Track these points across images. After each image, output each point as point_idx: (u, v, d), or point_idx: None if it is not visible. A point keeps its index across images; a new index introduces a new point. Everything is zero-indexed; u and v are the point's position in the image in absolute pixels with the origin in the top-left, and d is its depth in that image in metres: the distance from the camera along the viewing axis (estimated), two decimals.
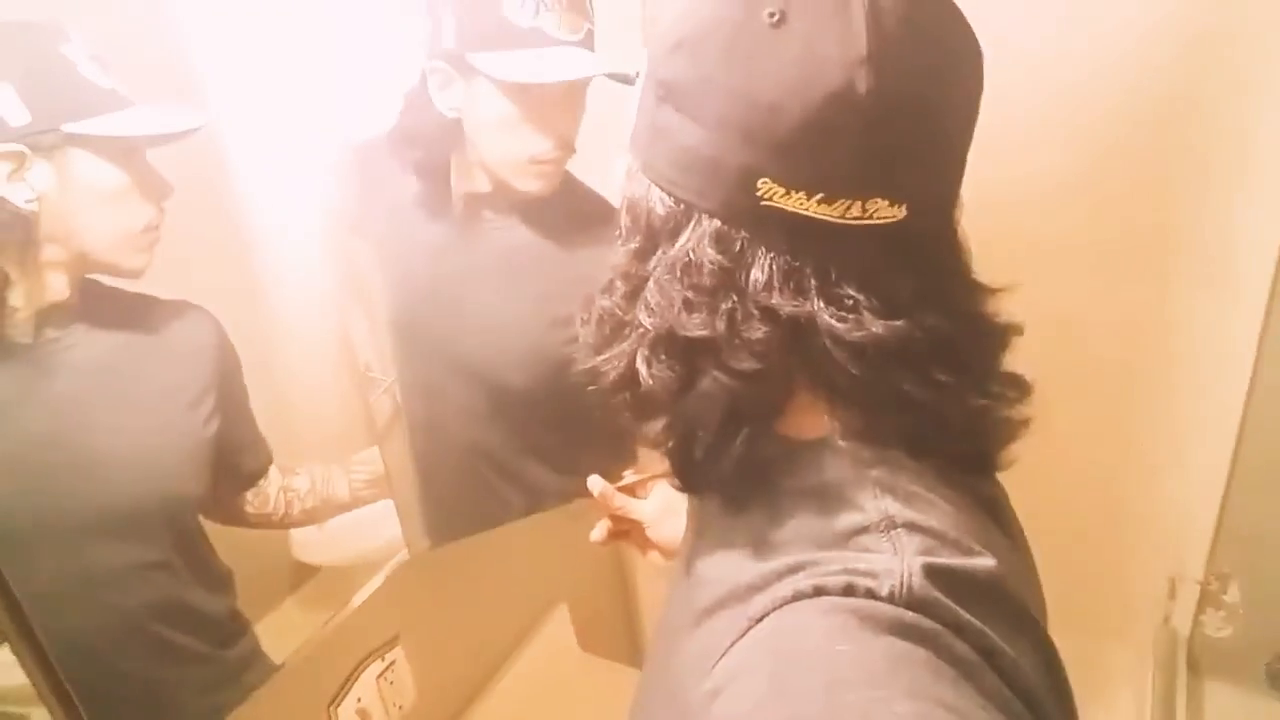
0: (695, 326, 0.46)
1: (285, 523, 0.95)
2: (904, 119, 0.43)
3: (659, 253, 0.48)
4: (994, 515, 0.52)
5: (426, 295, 1.02)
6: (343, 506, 0.99)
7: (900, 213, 0.44)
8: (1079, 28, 1.19)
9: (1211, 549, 1.38)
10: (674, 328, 0.47)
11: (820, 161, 0.42)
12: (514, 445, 1.09)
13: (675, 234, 0.47)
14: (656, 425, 0.51)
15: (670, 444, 0.52)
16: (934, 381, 0.46)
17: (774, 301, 0.44)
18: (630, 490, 0.91)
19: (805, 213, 0.43)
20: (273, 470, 0.93)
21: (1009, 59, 1.20)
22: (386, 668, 1.09)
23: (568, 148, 0.96)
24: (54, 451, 0.73)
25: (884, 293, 0.44)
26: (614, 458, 0.99)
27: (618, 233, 0.51)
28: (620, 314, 0.50)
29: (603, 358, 0.51)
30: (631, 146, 0.51)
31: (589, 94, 0.97)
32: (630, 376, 0.50)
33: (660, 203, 0.48)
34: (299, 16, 0.83)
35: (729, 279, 0.45)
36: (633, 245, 0.49)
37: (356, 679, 1.04)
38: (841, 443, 0.48)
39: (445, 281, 1.02)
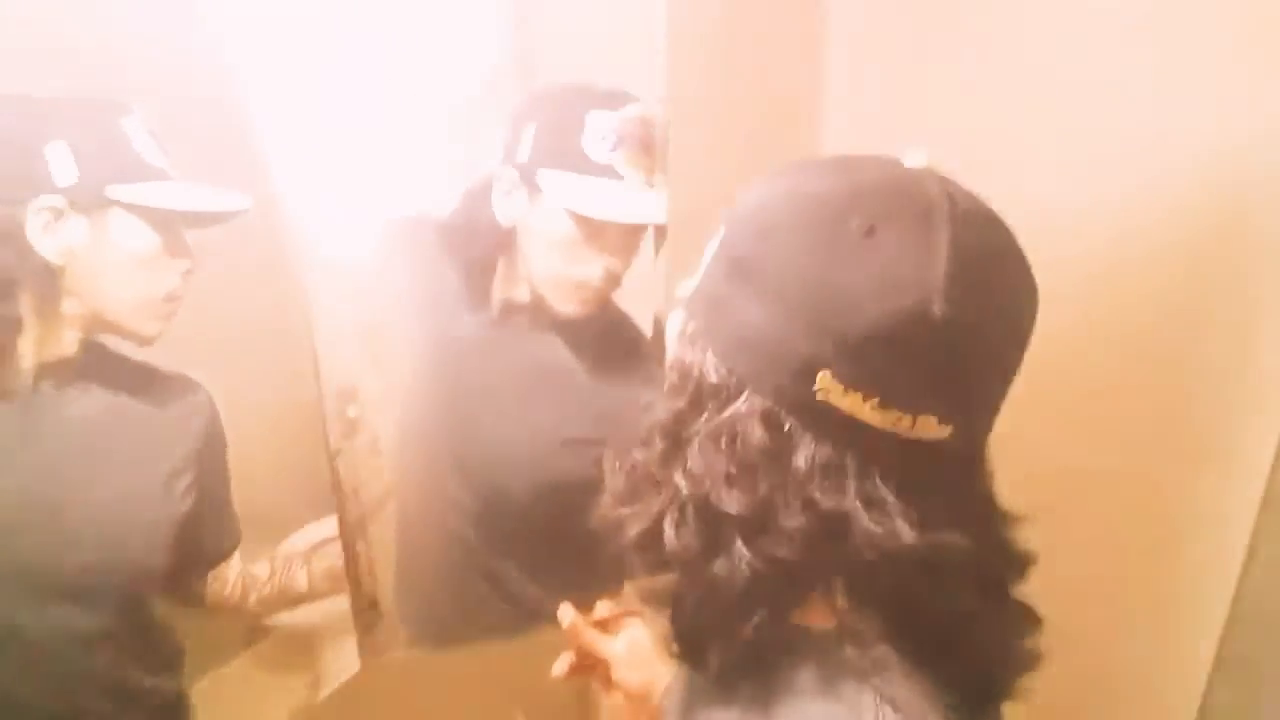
0: (733, 503, 0.46)
1: (241, 609, 0.92)
2: (969, 347, 0.45)
3: (704, 418, 0.48)
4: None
5: (444, 388, 1.02)
6: (299, 599, 0.96)
7: (944, 433, 0.45)
8: (1084, 191, 1.25)
9: None
10: (710, 498, 0.47)
11: (883, 369, 0.44)
12: (502, 552, 1.07)
13: (724, 405, 0.47)
14: (667, 586, 0.51)
15: (679, 611, 0.52)
16: (957, 603, 0.47)
17: (814, 494, 0.45)
18: (602, 625, 0.88)
19: (856, 415, 0.44)
20: (235, 554, 0.92)
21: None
22: None
23: (614, 281, 0.98)
24: (23, 503, 0.72)
25: (919, 505, 0.45)
26: (601, 585, 0.93)
27: (665, 388, 0.52)
28: (654, 470, 0.50)
29: (628, 510, 0.51)
30: (690, 308, 0.52)
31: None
32: (654, 535, 0.49)
33: (714, 371, 0.48)
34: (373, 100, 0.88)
35: (773, 460, 0.46)
36: (679, 405, 0.50)
37: None
38: (850, 641, 0.48)
39: (466, 379, 1.03)
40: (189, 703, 0.87)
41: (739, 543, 0.46)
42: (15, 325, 0.70)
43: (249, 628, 0.96)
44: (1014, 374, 0.49)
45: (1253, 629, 1.29)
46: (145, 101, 0.72)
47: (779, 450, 0.46)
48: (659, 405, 0.52)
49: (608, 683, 0.87)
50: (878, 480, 0.45)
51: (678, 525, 0.48)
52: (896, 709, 0.46)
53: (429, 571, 1.07)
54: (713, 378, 0.48)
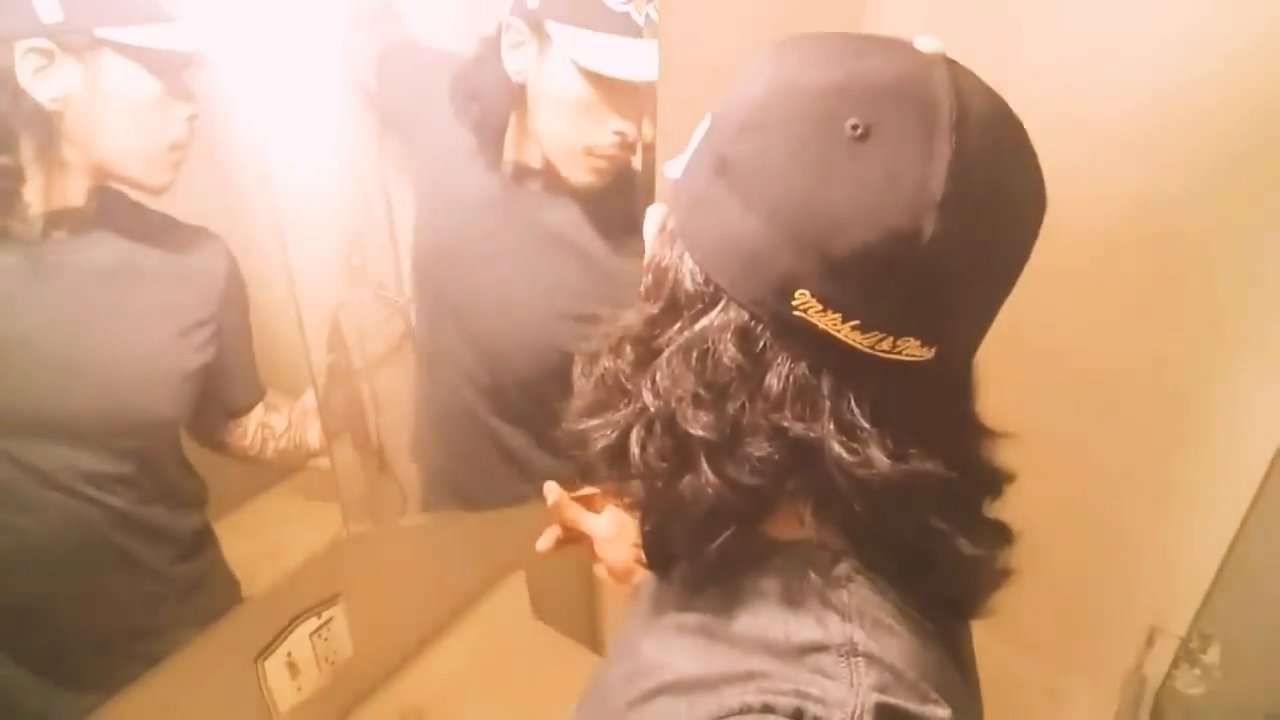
0: (699, 425, 0.44)
1: (260, 459, 0.95)
2: (958, 270, 0.41)
3: (676, 327, 0.46)
4: (954, 654, 0.50)
5: (451, 248, 0.99)
6: (313, 453, 0.98)
7: (928, 354, 0.43)
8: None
9: (1200, 608, 1.38)
10: (676, 416, 0.45)
11: (865, 291, 0.41)
12: (508, 420, 1.07)
13: (699, 315, 0.45)
14: (636, 496, 0.51)
15: (646, 524, 0.51)
16: (927, 525, 0.45)
17: (785, 419, 0.43)
18: (587, 502, 0.88)
19: (835, 334, 0.42)
20: (259, 406, 0.94)
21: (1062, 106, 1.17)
22: (322, 624, 1.08)
23: (628, 146, 0.91)
24: (36, 350, 0.73)
25: (895, 430, 0.43)
26: None
27: (641, 289, 0.49)
28: (623, 380, 0.48)
29: (594, 423, 0.50)
30: (672, 203, 0.49)
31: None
32: (619, 450, 0.48)
33: (690, 277, 0.45)
34: None
35: (743, 380, 0.44)
36: (652, 310, 0.47)
37: (289, 634, 1.04)
38: (818, 554, 0.47)
39: (472, 241, 0.99)
40: (212, 535, 0.90)
41: (703, 465, 0.45)
42: (17, 174, 0.68)
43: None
44: (1009, 290, 0.46)
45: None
46: None
47: (752, 369, 0.44)
48: (632, 309, 0.49)
49: (593, 555, 0.88)
50: (853, 403, 0.43)
51: (644, 442, 0.47)
52: (862, 625, 0.45)
53: (442, 435, 1.08)
54: (689, 284, 0.46)
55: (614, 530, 0.85)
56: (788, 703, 0.42)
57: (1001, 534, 0.50)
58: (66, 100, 0.67)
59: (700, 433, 0.44)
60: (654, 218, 0.50)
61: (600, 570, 0.88)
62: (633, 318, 0.49)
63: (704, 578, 0.50)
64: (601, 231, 0.99)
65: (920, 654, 0.46)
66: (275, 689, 1.04)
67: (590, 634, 1.53)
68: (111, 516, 0.80)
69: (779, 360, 0.43)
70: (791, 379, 0.43)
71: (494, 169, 0.97)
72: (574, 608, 1.56)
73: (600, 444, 0.49)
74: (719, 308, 0.44)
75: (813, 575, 0.47)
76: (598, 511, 0.88)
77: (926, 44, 0.43)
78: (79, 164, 0.71)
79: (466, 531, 1.29)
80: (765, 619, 0.47)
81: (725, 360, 0.44)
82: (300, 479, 0.99)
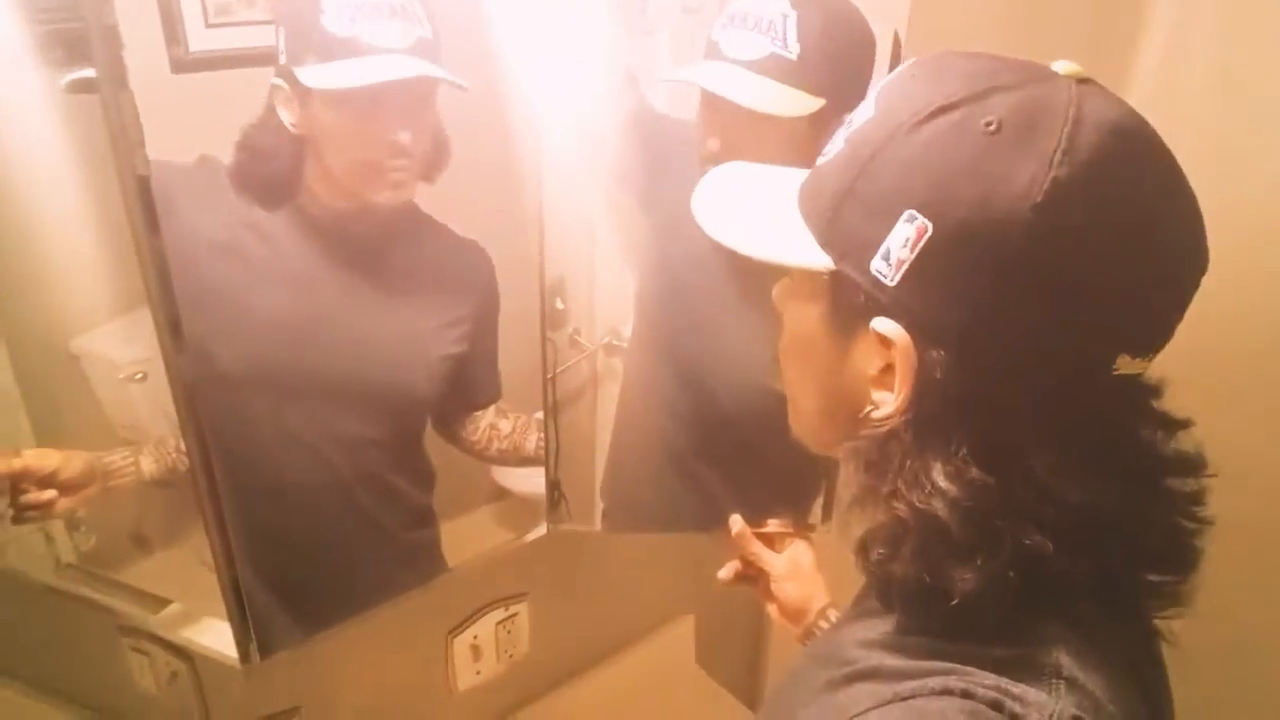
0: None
1: (484, 456, 1.04)
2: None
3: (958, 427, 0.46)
4: (1146, 682, 0.51)
5: (675, 293, 1.04)
6: (526, 460, 1.04)
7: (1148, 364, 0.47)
8: None
9: None
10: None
11: (1165, 323, 0.46)
12: (703, 455, 1.09)
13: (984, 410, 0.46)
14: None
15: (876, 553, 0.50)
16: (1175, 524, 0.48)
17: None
18: (768, 540, 0.93)
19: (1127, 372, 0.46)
20: (491, 407, 1.02)
21: None
22: (508, 617, 1.14)
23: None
24: (331, 324, 0.87)
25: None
26: (794, 503, 0.99)
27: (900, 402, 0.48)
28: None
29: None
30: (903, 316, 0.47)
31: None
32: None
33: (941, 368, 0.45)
34: None
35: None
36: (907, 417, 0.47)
37: (479, 618, 1.10)
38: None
39: (695, 287, 1.02)
40: (436, 518, 1.01)
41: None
42: (290, 182, 0.82)
43: (495, 486, 1.09)
44: (1176, 288, 0.46)
45: None
46: None
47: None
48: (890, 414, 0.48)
49: (767, 595, 0.94)
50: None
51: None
52: (1069, 652, 0.46)
53: (637, 463, 1.11)
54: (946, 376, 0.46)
55: (790, 569, 0.91)
56: (987, 693, 0.44)
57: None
58: (299, 126, 0.79)
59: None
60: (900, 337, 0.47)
61: (773, 610, 0.93)
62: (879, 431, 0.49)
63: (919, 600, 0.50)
64: None
65: (1120, 691, 0.47)
66: (458, 666, 1.12)
67: (748, 691, 1.49)
68: (362, 477, 0.94)
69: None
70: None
71: None
72: (736, 662, 1.55)
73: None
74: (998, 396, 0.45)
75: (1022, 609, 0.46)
76: (778, 550, 0.93)
77: (1063, 66, 0.46)
78: (328, 174, 0.82)
79: (647, 568, 1.31)
80: (973, 644, 0.47)
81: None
82: (499, 506, 1.09)
